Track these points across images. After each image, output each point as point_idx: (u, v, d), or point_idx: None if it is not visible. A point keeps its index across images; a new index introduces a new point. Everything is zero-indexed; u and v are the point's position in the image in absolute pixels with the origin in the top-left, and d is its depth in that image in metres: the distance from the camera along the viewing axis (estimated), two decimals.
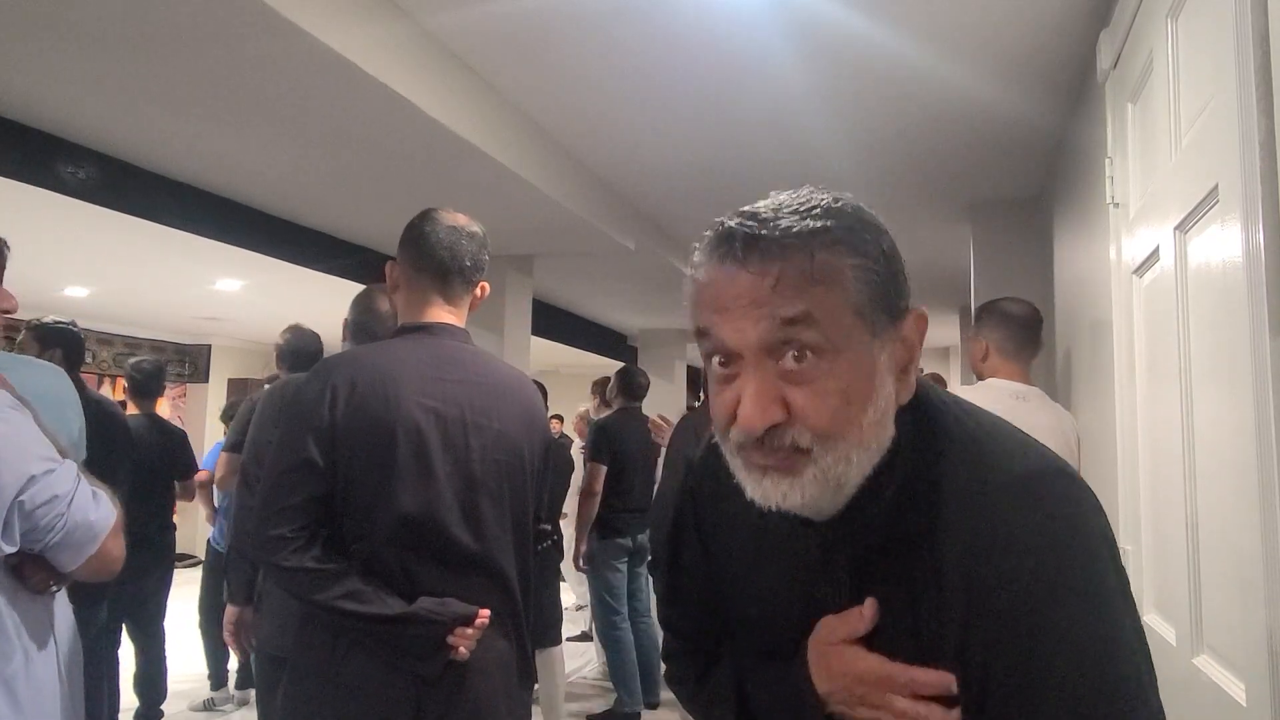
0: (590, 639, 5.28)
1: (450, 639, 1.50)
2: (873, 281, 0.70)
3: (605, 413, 4.77)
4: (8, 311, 1.43)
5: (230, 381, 10.16)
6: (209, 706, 4.15)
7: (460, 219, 1.70)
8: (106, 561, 1.32)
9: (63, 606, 1.40)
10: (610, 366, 8.72)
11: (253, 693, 4.28)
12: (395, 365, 1.55)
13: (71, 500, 1.26)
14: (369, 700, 1.47)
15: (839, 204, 0.72)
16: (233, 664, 4.28)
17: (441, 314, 1.66)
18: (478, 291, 1.72)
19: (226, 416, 4.67)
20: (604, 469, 4.08)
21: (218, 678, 4.21)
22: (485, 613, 1.54)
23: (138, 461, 3.56)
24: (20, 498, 1.20)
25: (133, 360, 3.97)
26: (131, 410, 3.85)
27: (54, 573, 1.30)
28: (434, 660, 1.49)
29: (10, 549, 1.21)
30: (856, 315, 0.69)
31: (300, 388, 1.54)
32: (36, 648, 1.30)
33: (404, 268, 1.68)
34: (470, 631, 1.51)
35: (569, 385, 10.07)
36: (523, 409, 1.69)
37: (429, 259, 1.65)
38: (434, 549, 1.53)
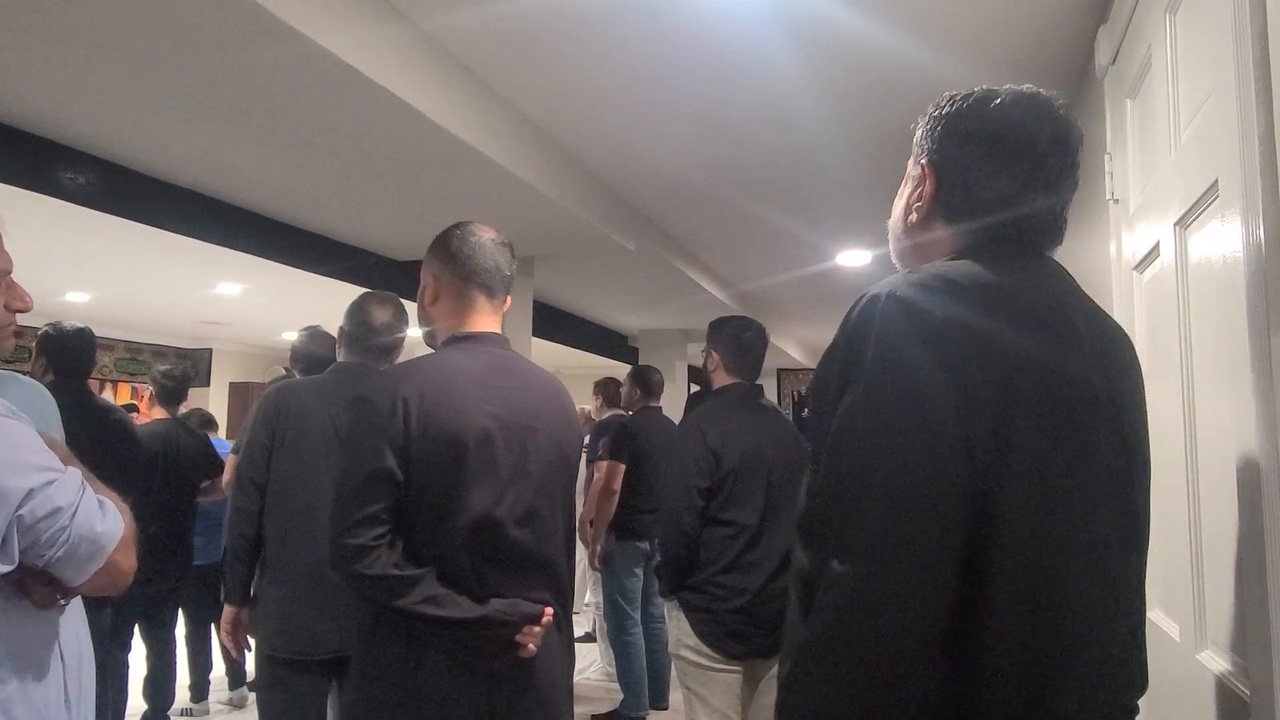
0: (594, 639, 5.27)
1: (518, 637, 1.56)
2: (923, 145, 1.10)
3: (607, 413, 4.77)
4: (20, 310, 1.36)
5: (231, 385, 10.17)
6: (186, 715, 4.16)
7: (493, 232, 1.77)
8: (115, 575, 1.24)
9: (73, 621, 1.32)
10: (611, 367, 8.75)
11: (251, 696, 4.30)
12: (457, 374, 1.61)
13: (75, 512, 1.18)
14: (444, 701, 1.52)
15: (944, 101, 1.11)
16: (216, 673, 4.29)
17: (487, 322, 1.73)
18: None
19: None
20: (623, 468, 4.06)
21: (198, 689, 4.21)
22: (549, 611, 1.62)
23: (165, 464, 3.59)
24: (20, 512, 1.13)
25: (162, 368, 4.03)
26: (159, 414, 3.89)
27: (59, 585, 1.22)
28: (504, 658, 1.57)
29: (8, 567, 1.13)
30: (919, 160, 1.10)
31: (369, 399, 1.55)
32: (37, 668, 1.22)
33: (448, 278, 1.73)
34: (537, 630, 1.58)
35: (570, 386, 10.06)
36: (562, 410, 1.77)
37: (478, 269, 1.71)
38: (500, 550, 1.59)
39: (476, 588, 1.55)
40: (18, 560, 1.14)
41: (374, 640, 1.56)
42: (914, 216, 1.09)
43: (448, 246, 1.73)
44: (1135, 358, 1.10)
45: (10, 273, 1.34)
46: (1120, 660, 0.96)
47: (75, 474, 1.23)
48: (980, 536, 0.87)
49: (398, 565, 1.49)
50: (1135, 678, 1.00)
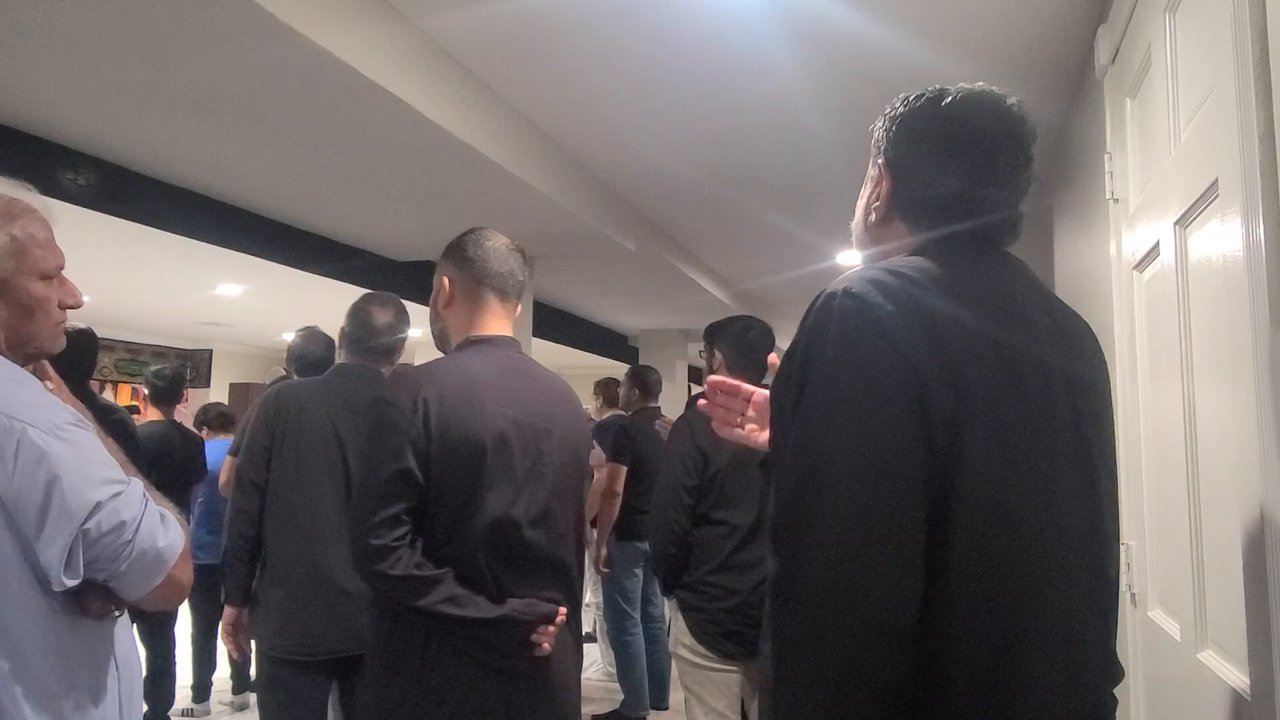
0: (594, 639, 5.27)
1: (534, 637, 1.60)
2: (879, 145, 1.13)
3: (607, 413, 4.77)
4: (72, 307, 1.33)
5: (232, 386, 10.18)
6: (188, 715, 4.16)
7: (506, 238, 1.81)
8: (175, 589, 1.21)
9: (124, 630, 1.30)
10: (611, 367, 8.75)
11: (251, 697, 4.31)
12: (474, 377, 1.64)
13: (139, 526, 1.15)
14: (462, 699, 1.55)
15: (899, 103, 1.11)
16: (219, 674, 4.30)
17: (501, 325, 1.76)
18: None
19: (199, 422, 4.63)
20: (625, 470, 4.06)
21: (200, 689, 4.22)
22: (563, 611, 1.66)
23: (160, 466, 3.60)
24: (85, 526, 1.10)
25: (153, 368, 4.02)
26: (153, 415, 3.88)
27: (114, 597, 1.20)
28: (520, 657, 1.60)
29: (73, 583, 1.11)
30: (877, 162, 1.13)
31: (390, 401, 1.58)
32: (95, 679, 1.21)
33: (463, 283, 1.76)
34: (552, 629, 1.62)
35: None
36: (573, 413, 1.81)
37: (492, 274, 1.75)
38: (516, 551, 1.62)
39: (493, 587, 1.58)
40: (82, 574, 1.12)
41: (392, 639, 1.59)
42: (874, 216, 1.11)
43: (463, 251, 1.76)
44: (1098, 350, 1.10)
45: (63, 268, 1.31)
46: (1091, 648, 0.95)
47: (138, 485, 1.20)
48: (939, 525, 0.88)
49: (419, 565, 1.52)
50: (1109, 667, 1.00)
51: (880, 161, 1.11)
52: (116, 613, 1.24)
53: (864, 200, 1.14)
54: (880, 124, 1.13)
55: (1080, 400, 0.99)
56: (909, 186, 1.07)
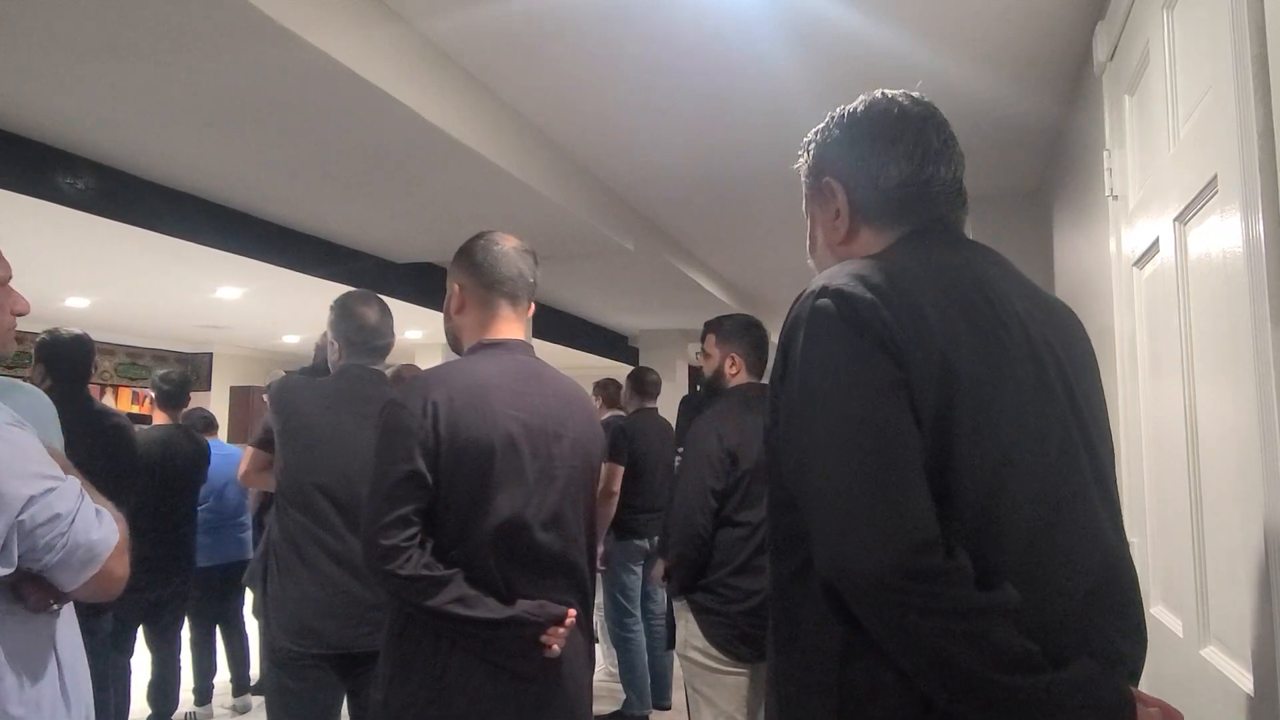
0: (596, 640, 5.27)
1: (544, 638, 1.61)
2: (807, 179, 1.20)
3: (606, 414, 4.77)
4: (20, 314, 1.40)
5: (232, 389, 10.19)
6: (190, 719, 4.17)
7: (516, 240, 1.81)
8: (108, 582, 1.28)
9: (67, 624, 1.36)
10: (611, 367, 8.74)
11: (252, 700, 4.31)
12: (484, 380, 1.65)
13: (73, 519, 1.22)
14: (473, 699, 1.56)
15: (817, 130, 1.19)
16: (221, 677, 4.30)
17: (512, 329, 1.78)
18: None
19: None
20: (621, 469, 4.08)
21: (202, 692, 4.22)
22: (573, 613, 1.66)
23: (164, 469, 3.61)
24: (20, 517, 1.17)
25: (160, 372, 4.03)
26: (160, 419, 3.88)
27: (54, 591, 1.26)
28: (530, 658, 1.61)
29: (6, 571, 1.18)
30: (808, 193, 1.20)
31: (400, 403, 1.60)
32: (34, 668, 1.26)
33: (473, 288, 1.77)
34: (562, 631, 1.63)
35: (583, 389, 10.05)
36: (586, 416, 1.81)
37: (502, 278, 1.77)
38: (525, 553, 1.63)
39: (503, 589, 1.59)
40: (16, 564, 1.18)
41: (403, 639, 1.60)
42: (838, 235, 1.14)
43: (472, 256, 1.77)
44: (1080, 325, 1.12)
45: (8, 280, 1.38)
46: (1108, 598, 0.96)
47: (74, 483, 1.27)
48: (942, 499, 0.88)
49: (429, 566, 1.53)
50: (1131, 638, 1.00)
51: (826, 179, 1.14)
52: (55, 605, 1.29)
53: (821, 226, 1.17)
54: (805, 160, 1.19)
55: (1067, 367, 1.01)
56: (862, 186, 1.11)
